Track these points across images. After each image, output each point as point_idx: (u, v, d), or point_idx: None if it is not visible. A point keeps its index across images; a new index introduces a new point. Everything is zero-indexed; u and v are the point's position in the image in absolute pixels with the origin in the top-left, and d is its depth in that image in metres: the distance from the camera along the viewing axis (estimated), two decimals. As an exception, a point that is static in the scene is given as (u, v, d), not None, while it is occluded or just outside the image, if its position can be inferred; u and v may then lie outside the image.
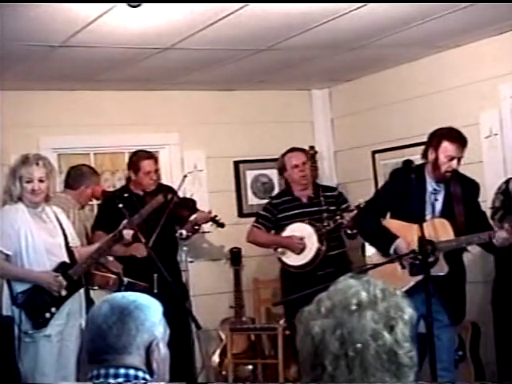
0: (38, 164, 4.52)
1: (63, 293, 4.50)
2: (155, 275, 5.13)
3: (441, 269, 4.54)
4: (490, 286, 5.16)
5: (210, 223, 6.01)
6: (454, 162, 4.60)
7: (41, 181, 4.51)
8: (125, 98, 6.44)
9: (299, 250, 5.73)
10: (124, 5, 4.01)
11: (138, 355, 2.03)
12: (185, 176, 5.91)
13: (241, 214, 6.78)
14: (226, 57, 5.46)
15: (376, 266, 4.45)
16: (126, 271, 5.23)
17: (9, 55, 4.83)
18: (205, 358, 6.20)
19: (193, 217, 5.85)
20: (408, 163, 4.45)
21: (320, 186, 6.15)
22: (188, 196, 6.15)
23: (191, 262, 6.46)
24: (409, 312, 1.56)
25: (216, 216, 5.93)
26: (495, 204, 4.98)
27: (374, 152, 6.48)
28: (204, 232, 6.41)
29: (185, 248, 6.31)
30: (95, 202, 6.12)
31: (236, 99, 6.82)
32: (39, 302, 4.45)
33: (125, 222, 4.74)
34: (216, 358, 6.28)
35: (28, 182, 4.50)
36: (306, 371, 1.54)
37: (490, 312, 5.16)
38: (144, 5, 4.02)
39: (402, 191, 4.58)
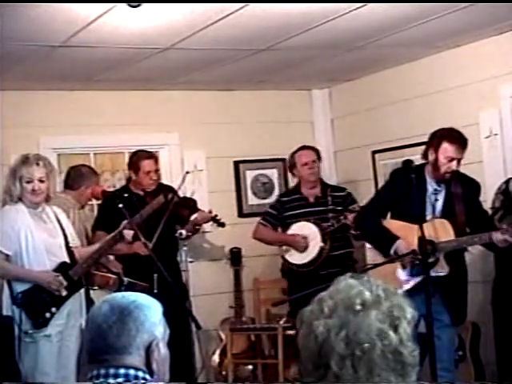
0: (38, 164, 4.51)
1: (63, 293, 4.50)
2: (155, 275, 5.13)
3: (441, 269, 4.54)
4: (489, 285, 5.15)
5: (211, 223, 6.01)
6: (454, 163, 4.59)
7: (41, 181, 4.51)
8: (125, 98, 6.44)
9: (302, 248, 5.76)
10: (124, 5, 4.01)
11: (138, 355, 2.03)
12: (187, 172, 5.90)
13: (241, 214, 6.79)
14: (226, 57, 5.46)
15: (376, 265, 4.45)
16: (126, 271, 5.22)
17: (9, 55, 4.83)
18: (205, 358, 6.18)
19: (193, 216, 5.84)
20: (408, 163, 4.45)
21: (329, 186, 6.14)
22: (189, 195, 6.14)
23: (191, 261, 6.45)
24: (410, 311, 1.57)
25: (216, 215, 5.92)
26: (495, 204, 4.97)
27: (374, 152, 6.48)
28: (204, 232, 6.41)
29: (185, 248, 6.29)
30: (95, 202, 6.12)
31: (236, 99, 6.82)
32: (39, 301, 4.44)
33: (125, 222, 4.73)
34: (216, 358, 6.28)
35: (28, 182, 4.49)
36: (309, 371, 1.54)
37: (490, 312, 5.15)
38: (144, 5, 4.02)
39: (403, 191, 4.57)
